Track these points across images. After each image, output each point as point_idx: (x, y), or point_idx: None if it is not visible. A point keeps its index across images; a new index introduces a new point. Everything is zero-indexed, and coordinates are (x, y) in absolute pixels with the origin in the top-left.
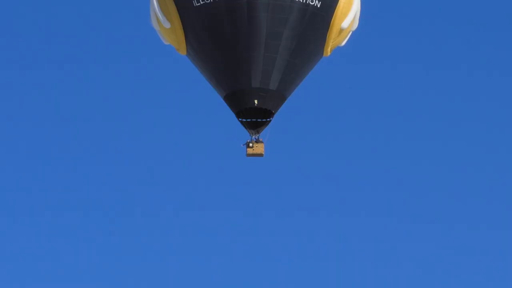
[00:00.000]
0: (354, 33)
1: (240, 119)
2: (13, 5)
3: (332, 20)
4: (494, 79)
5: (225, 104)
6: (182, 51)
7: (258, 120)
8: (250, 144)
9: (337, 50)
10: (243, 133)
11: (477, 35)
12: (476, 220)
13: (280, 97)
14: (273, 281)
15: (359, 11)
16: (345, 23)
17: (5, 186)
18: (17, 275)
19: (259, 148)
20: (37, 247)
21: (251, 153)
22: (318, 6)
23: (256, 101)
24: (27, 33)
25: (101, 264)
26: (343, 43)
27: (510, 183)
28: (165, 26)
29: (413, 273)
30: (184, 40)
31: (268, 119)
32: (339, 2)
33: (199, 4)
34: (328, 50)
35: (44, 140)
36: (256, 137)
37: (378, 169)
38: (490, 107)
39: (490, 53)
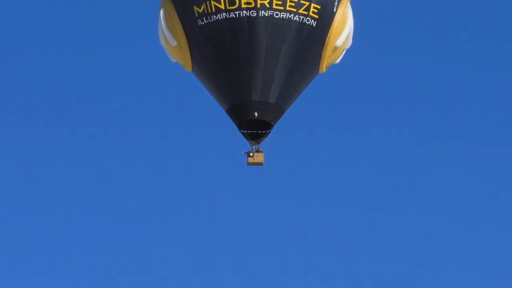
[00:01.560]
0: (348, 51)
1: (241, 131)
2: (16, 13)
3: (327, 38)
4: (493, 85)
5: (228, 116)
6: (188, 67)
7: (258, 131)
8: (251, 154)
9: (332, 67)
10: (245, 144)
11: (473, 47)
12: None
13: (278, 110)
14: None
15: (352, 30)
16: (339, 42)
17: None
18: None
19: (259, 157)
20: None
21: (251, 162)
22: (314, 25)
23: (256, 114)
24: (33, 45)
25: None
26: (338, 61)
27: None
28: (172, 44)
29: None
30: (190, 57)
31: (268, 131)
32: (333, 21)
33: (203, 23)
34: (323, 67)
35: (50, 153)
36: (257, 147)
37: (372, 180)
38: (489, 113)
39: (488, 62)
